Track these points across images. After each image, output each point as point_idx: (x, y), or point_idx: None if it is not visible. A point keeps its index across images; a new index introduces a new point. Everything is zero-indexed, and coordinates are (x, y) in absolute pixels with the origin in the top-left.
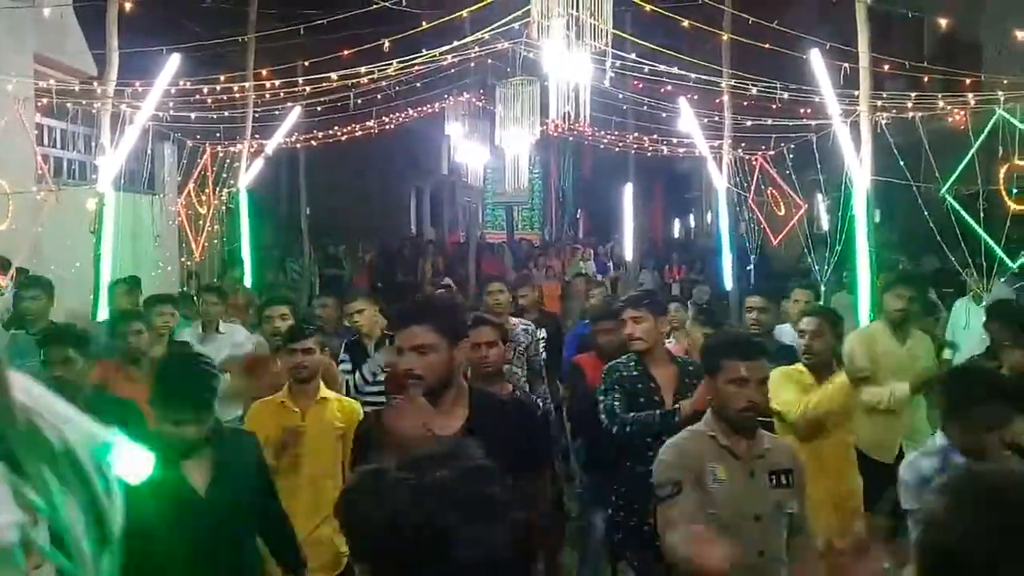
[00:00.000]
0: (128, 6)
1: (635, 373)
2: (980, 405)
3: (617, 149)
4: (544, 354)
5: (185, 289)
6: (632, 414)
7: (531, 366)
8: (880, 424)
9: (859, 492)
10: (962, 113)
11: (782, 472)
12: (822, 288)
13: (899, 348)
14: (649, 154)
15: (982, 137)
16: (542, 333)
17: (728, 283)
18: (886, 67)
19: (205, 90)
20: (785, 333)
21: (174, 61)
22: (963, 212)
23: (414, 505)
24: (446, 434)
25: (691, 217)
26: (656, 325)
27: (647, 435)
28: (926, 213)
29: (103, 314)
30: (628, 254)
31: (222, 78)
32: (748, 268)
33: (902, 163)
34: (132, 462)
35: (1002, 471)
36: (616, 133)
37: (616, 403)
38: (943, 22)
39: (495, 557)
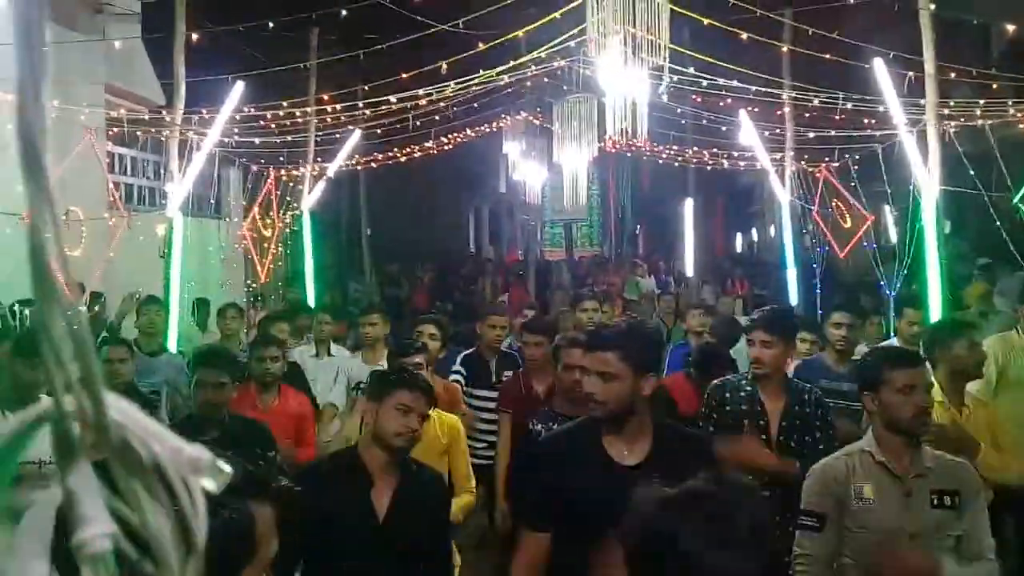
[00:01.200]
0: (194, 37)
1: (742, 395)
2: None
3: (676, 164)
4: None
5: (253, 311)
6: None
7: None
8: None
9: None
10: None
11: (946, 493)
12: (891, 302)
13: None
14: (709, 168)
15: None
16: None
17: (793, 298)
18: (952, 74)
19: (269, 116)
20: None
21: (238, 88)
22: None
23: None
24: (629, 464)
25: (754, 231)
26: (784, 351)
27: None
28: (998, 223)
29: (172, 335)
30: (688, 270)
31: (285, 104)
32: (814, 282)
33: (972, 172)
34: (215, 475)
35: None
36: (675, 148)
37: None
38: (1010, 27)
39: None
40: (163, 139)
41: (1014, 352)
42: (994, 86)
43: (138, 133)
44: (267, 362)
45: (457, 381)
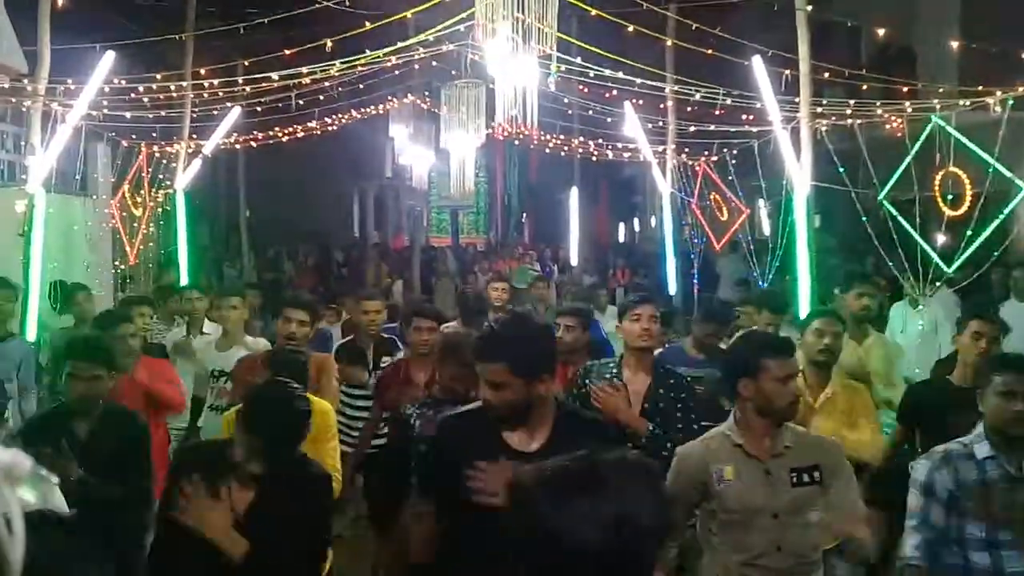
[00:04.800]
0: (60, 1)
1: (608, 376)
2: (1002, 375)
3: (563, 153)
4: None
5: (121, 294)
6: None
7: None
8: None
9: None
10: (899, 120)
11: (806, 469)
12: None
13: (856, 348)
14: (594, 158)
15: (918, 144)
16: None
17: (672, 287)
18: (826, 74)
19: (141, 89)
20: None
21: (108, 59)
22: (900, 218)
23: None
24: (527, 451)
25: (636, 221)
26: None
27: None
28: (864, 219)
29: (32, 318)
30: (573, 258)
31: (159, 77)
32: (692, 272)
33: (841, 169)
34: (36, 485)
35: None
36: (562, 137)
37: None
38: (880, 31)
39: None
40: (25, 110)
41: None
42: (863, 87)
43: None
44: (123, 339)
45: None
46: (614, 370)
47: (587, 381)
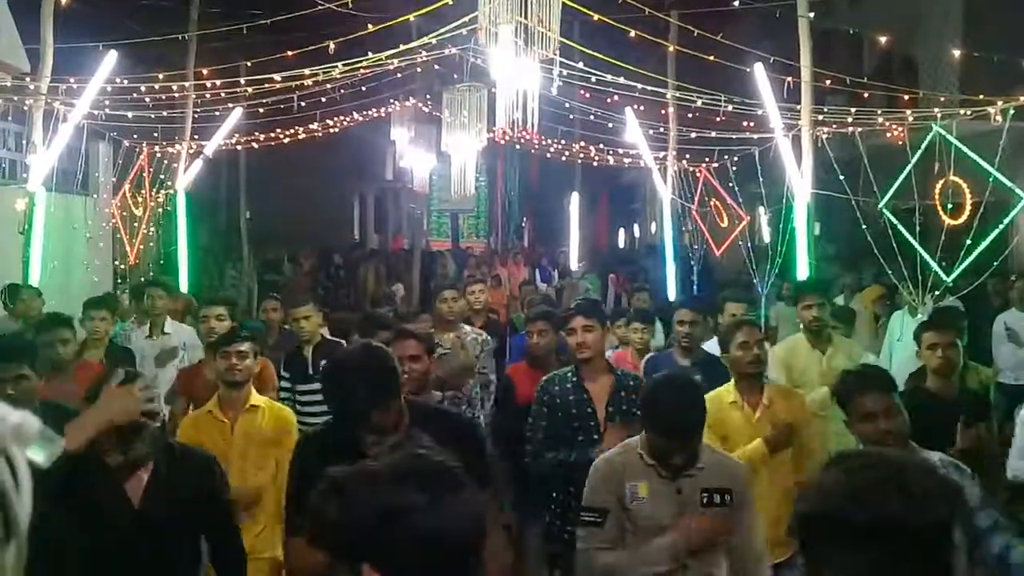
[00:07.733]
0: (64, 1)
1: (569, 386)
2: (860, 396)
3: (564, 158)
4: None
5: (115, 292)
6: (551, 455)
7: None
8: None
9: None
10: (900, 129)
11: (716, 491)
12: (763, 299)
13: (820, 358)
14: (595, 164)
15: (919, 153)
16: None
17: (672, 293)
18: (827, 82)
19: (143, 88)
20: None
21: (111, 58)
22: (900, 226)
23: (366, 490)
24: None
25: (636, 227)
26: (603, 335)
27: (569, 472)
28: (864, 227)
29: None
30: (573, 263)
31: (161, 77)
32: (692, 278)
33: (841, 177)
34: (44, 445)
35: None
36: (563, 142)
37: (540, 434)
38: (882, 39)
39: (454, 530)
40: (27, 108)
41: (800, 357)
42: (865, 95)
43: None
44: (57, 345)
45: (284, 388)
46: (573, 378)
47: (555, 388)
